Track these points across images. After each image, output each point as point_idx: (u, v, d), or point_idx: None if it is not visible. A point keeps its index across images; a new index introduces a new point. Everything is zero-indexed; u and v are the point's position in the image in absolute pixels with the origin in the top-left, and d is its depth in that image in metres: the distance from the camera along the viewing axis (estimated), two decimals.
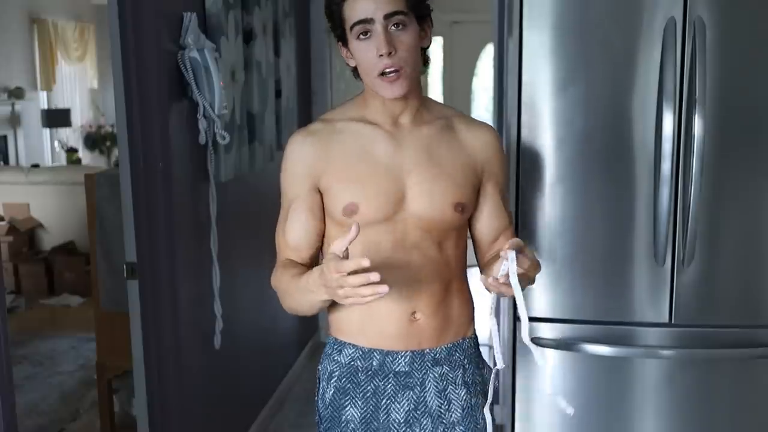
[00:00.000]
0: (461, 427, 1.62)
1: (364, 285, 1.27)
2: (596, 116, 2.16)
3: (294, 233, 1.56)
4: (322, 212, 1.56)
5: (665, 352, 2.21)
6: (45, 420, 3.55)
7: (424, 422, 1.60)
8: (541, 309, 2.23)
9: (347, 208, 1.50)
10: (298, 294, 1.47)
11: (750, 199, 2.17)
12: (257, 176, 3.22)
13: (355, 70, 1.55)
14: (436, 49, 10.74)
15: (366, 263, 1.27)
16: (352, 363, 1.59)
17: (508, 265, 1.37)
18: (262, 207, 3.42)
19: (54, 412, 3.64)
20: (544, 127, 2.16)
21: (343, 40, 1.51)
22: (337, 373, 1.60)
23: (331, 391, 1.61)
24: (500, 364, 1.50)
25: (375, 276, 1.26)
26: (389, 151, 1.53)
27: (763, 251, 2.19)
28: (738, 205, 2.17)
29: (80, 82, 8.87)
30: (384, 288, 1.26)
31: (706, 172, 2.11)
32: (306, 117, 4.17)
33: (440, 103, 1.67)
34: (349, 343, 1.59)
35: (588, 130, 2.17)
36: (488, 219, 1.62)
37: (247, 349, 3.20)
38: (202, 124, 2.46)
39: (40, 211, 5.77)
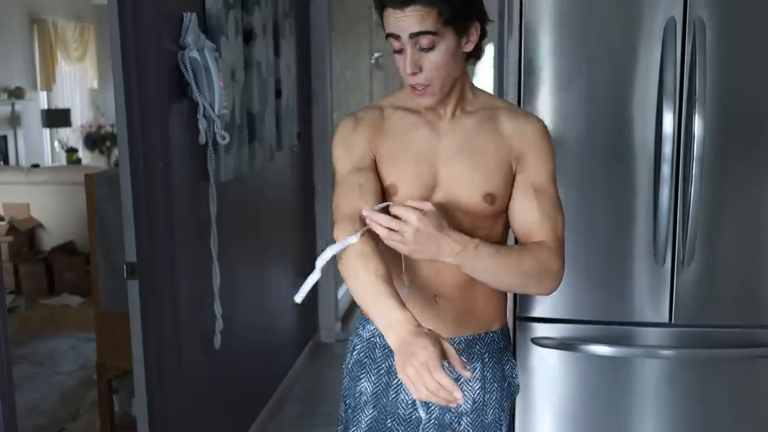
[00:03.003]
0: (468, 419, 1.63)
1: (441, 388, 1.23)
2: (596, 116, 2.16)
3: (349, 204, 1.52)
4: (377, 185, 1.57)
5: (665, 352, 2.21)
6: (45, 420, 3.55)
7: (432, 407, 1.61)
8: (541, 309, 2.23)
9: (389, 189, 1.57)
10: (373, 307, 1.39)
11: (750, 199, 2.17)
12: (257, 176, 3.22)
13: None
14: None
15: (468, 374, 1.30)
16: (372, 339, 1.65)
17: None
18: (262, 207, 3.43)
19: (54, 412, 3.63)
20: None
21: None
22: (359, 346, 1.68)
23: (352, 362, 1.69)
24: (297, 298, 1.43)
25: (459, 394, 1.23)
26: (427, 138, 1.58)
27: (763, 251, 2.19)
28: (738, 205, 2.17)
29: (80, 82, 8.88)
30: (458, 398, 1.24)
31: (706, 172, 2.11)
32: (306, 117, 4.16)
33: (490, 95, 1.65)
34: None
35: (588, 130, 2.17)
36: (517, 212, 1.58)
37: (247, 349, 3.20)
38: (202, 124, 2.46)
39: (40, 211, 5.76)
